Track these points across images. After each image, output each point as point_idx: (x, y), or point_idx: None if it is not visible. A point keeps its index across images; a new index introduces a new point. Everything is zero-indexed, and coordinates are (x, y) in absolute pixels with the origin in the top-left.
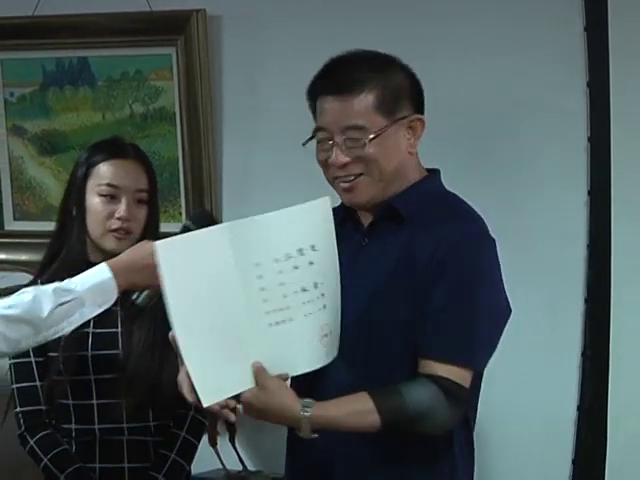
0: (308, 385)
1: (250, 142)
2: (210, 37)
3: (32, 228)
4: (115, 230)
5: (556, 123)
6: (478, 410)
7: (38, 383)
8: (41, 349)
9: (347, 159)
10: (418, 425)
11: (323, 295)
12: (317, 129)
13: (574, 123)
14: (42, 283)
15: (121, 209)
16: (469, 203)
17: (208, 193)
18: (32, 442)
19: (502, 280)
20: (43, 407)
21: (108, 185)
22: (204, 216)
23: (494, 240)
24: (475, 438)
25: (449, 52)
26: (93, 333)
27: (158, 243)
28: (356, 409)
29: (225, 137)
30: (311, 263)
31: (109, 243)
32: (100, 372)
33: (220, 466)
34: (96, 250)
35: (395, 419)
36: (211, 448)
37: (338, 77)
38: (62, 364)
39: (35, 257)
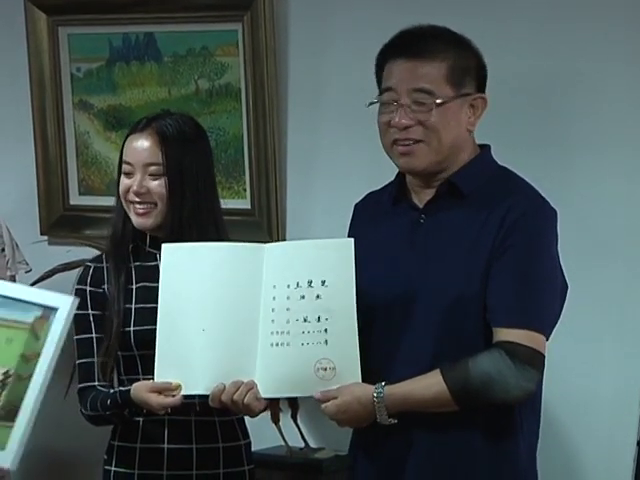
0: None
1: (315, 119)
2: (276, 13)
3: (97, 203)
4: (132, 204)
5: None
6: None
7: (96, 359)
8: (101, 325)
9: (410, 122)
10: (488, 393)
11: (326, 331)
12: (384, 90)
13: None
14: (106, 260)
15: (133, 183)
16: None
17: (273, 170)
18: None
19: (559, 254)
20: (96, 383)
21: (125, 163)
22: None
23: (556, 212)
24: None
25: (535, 31)
26: None
27: (164, 246)
28: (425, 383)
29: (290, 114)
30: (318, 297)
31: (134, 219)
32: None
33: (282, 443)
34: None
35: (460, 388)
36: (273, 425)
37: (414, 43)
38: (133, 339)
39: (100, 232)
